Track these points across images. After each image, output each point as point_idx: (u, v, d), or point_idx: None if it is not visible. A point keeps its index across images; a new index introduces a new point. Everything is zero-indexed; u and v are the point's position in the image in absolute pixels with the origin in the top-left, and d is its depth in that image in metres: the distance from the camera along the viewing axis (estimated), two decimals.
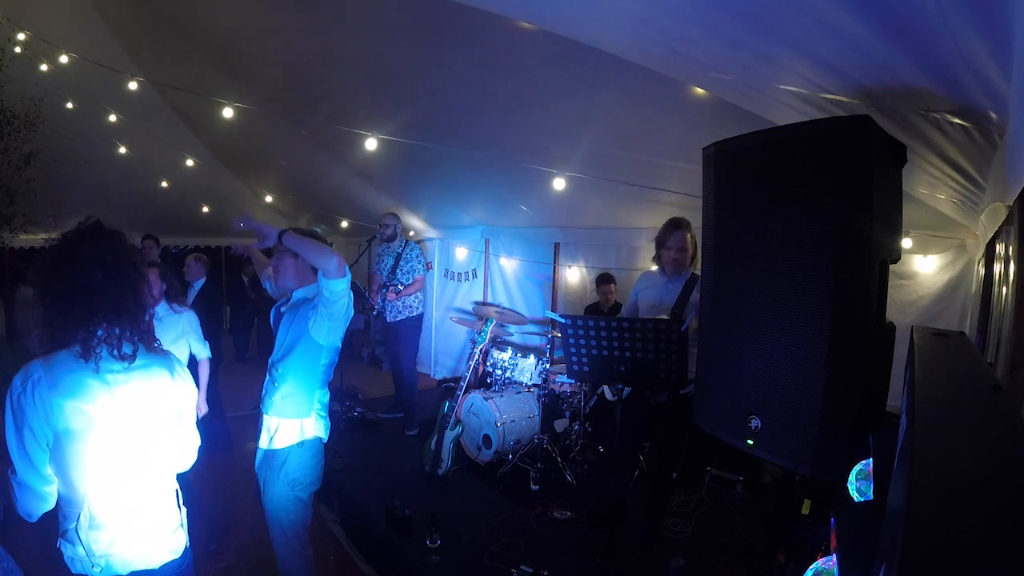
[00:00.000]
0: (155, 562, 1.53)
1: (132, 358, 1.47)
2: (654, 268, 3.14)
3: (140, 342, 1.49)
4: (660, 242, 3.01)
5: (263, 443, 2.40)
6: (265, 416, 2.40)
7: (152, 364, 1.54)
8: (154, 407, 1.52)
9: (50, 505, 1.44)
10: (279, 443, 2.35)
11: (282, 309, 2.45)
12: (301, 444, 2.37)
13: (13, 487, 1.40)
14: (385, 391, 5.82)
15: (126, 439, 1.47)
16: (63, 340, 1.41)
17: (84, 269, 1.41)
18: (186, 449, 1.69)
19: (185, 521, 1.67)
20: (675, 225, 2.96)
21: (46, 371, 1.37)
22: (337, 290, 2.23)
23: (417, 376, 5.27)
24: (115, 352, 1.43)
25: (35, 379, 1.35)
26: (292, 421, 2.35)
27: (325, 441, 2.49)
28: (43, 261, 1.43)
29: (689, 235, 2.96)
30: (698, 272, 2.91)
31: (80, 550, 1.43)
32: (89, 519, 1.43)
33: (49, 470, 1.40)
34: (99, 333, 1.42)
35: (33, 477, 1.38)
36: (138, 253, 1.54)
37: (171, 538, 1.59)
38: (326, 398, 2.48)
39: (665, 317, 2.82)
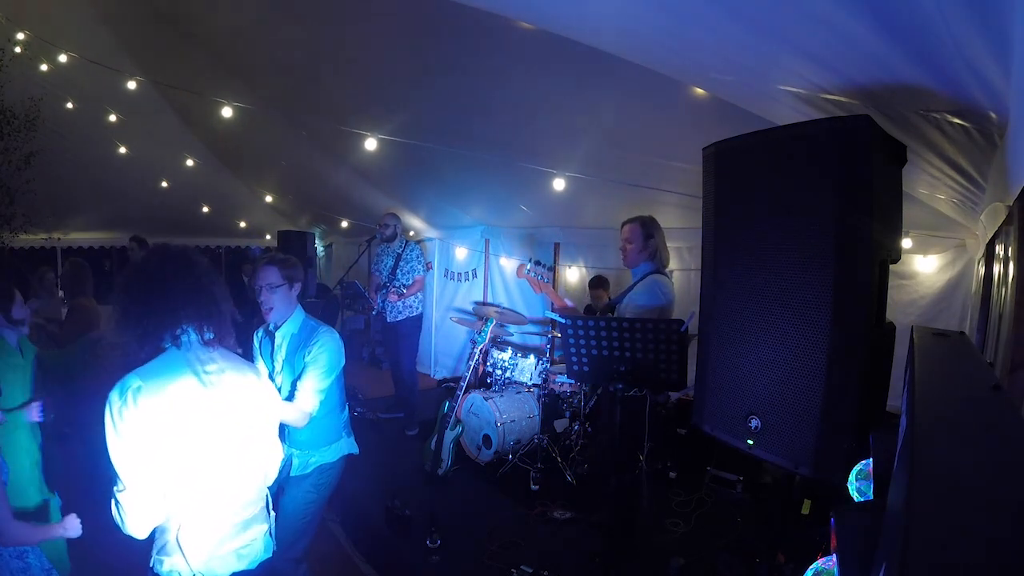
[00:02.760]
0: (251, 563, 1.57)
1: (215, 343, 1.51)
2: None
3: (217, 331, 1.53)
4: None
5: (295, 470, 2.38)
6: (296, 451, 2.38)
7: (240, 364, 1.60)
8: (248, 407, 1.55)
9: (162, 518, 1.41)
10: (312, 463, 2.39)
11: (275, 356, 2.35)
12: (334, 458, 2.43)
13: (120, 506, 1.35)
14: (385, 391, 5.82)
15: (225, 441, 1.48)
16: (152, 337, 1.43)
17: (148, 271, 1.48)
18: (271, 460, 1.68)
19: (274, 526, 1.71)
20: (628, 220, 2.98)
21: (144, 379, 1.37)
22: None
23: (417, 376, 5.26)
24: (199, 334, 1.48)
25: (135, 388, 1.34)
26: (324, 448, 2.41)
27: (356, 454, 2.54)
28: (119, 280, 1.50)
29: (632, 225, 2.92)
30: (660, 274, 2.90)
31: (181, 561, 1.41)
32: (190, 528, 1.42)
33: (158, 481, 1.37)
34: (181, 321, 1.46)
35: (143, 490, 1.35)
36: (197, 257, 1.58)
37: (264, 541, 1.63)
38: (347, 413, 2.53)
39: (667, 317, 2.82)
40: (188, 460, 1.40)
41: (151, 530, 1.40)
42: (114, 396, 1.34)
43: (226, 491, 1.49)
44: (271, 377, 2.35)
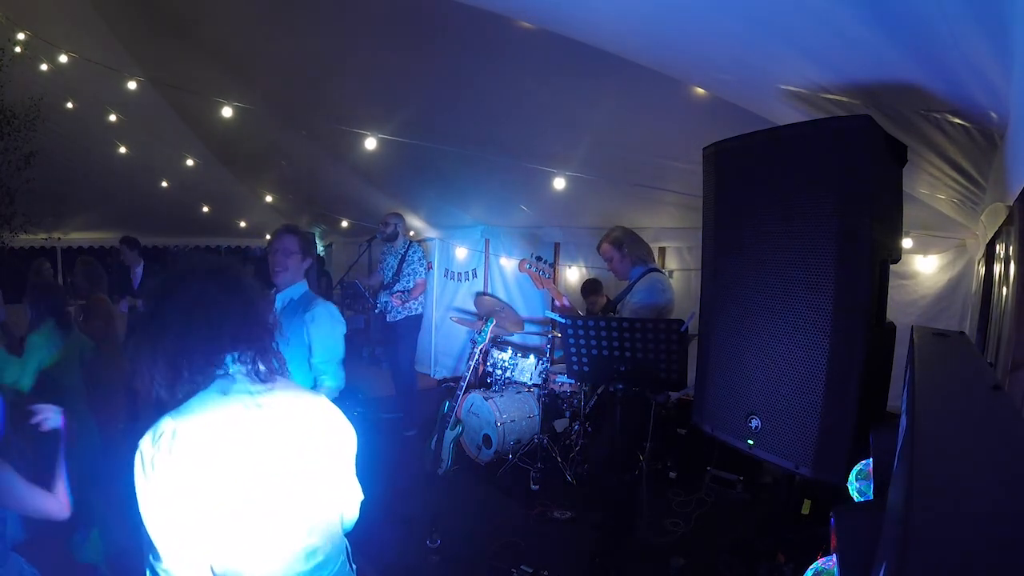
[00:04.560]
0: None
1: (272, 376, 1.26)
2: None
3: (270, 363, 1.27)
4: None
5: None
6: None
7: (296, 387, 1.35)
8: (309, 433, 1.29)
9: None
10: None
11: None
12: None
13: None
14: (385, 391, 5.82)
15: (286, 475, 1.22)
16: (188, 382, 1.18)
17: (192, 300, 1.19)
18: (347, 500, 1.42)
19: None
20: (599, 244, 3.19)
21: (179, 419, 1.12)
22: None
23: (417, 376, 5.26)
24: (252, 370, 1.22)
25: (170, 432, 1.10)
26: None
27: None
28: (146, 308, 1.22)
29: (604, 245, 3.14)
30: (656, 272, 3.10)
31: None
32: None
33: (206, 544, 1.12)
34: (227, 352, 1.21)
35: (188, 557, 1.09)
36: (241, 270, 1.30)
37: None
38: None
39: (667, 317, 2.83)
40: (243, 504, 1.16)
41: None
42: (144, 445, 1.10)
43: (292, 539, 1.24)
44: None
